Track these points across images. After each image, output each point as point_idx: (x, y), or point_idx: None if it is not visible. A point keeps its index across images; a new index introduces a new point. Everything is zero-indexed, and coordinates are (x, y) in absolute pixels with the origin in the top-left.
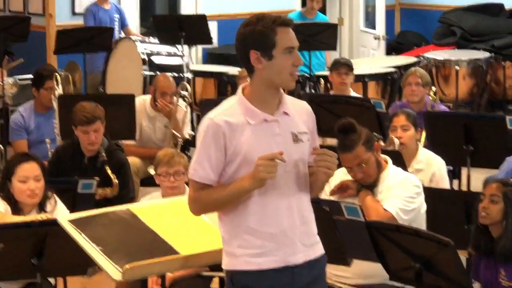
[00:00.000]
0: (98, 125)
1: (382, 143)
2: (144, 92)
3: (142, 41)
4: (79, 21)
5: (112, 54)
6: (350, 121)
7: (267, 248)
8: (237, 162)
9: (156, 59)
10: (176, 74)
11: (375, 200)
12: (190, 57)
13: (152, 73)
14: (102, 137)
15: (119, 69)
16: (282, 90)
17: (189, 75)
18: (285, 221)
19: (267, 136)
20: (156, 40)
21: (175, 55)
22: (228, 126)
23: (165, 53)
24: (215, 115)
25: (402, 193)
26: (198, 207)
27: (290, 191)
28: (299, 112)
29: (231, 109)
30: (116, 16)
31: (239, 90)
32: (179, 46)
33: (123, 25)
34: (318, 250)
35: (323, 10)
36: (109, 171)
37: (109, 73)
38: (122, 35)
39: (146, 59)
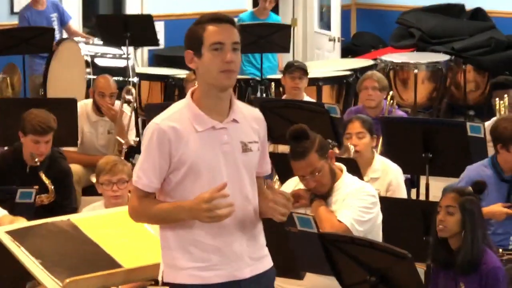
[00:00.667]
0: (50, 136)
1: (336, 151)
2: (87, 96)
3: (86, 43)
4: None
5: (53, 56)
6: (303, 127)
7: (213, 262)
8: (182, 171)
9: (100, 62)
10: (121, 78)
11: (329, 210)
12: (136, 59)
13: (95, 76)
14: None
15: (61, 71)
16: (232, 95)
17: (135, 79)
18: (232, 234)
19: (215, 144)
20: (100, 41)
21: (120, 57)
22: (174, 132)
23: (110, 55)
24: (161, 120)
25: (357, 203)
26: (137, 216)
27: (237, 202)
28: (249, 120)
29: (178, 114)
30: (54, 15)
31: (188, 94)
32: (124, 48)
33: (63, 23)
34: (266, 263)
35: (275, 10)
36: (43, 177)
37: (50, 76)
38: (65, 35)
39: (89, 61)
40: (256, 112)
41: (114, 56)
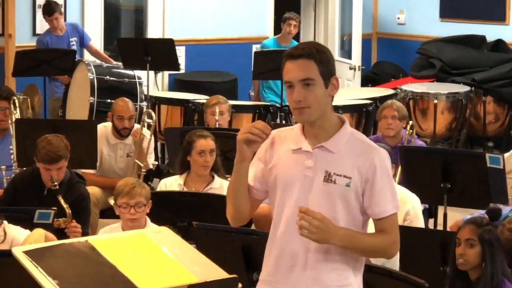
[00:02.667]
0: (62, 163)
1: None
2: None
3: (97, 65)
4: None
5: (72, 80)
6: None
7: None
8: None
9: (109, 84)
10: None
11: None
12: (156, 83)
13: (102, 100)
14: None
15: (76, 93)
16: (344, 127)
17: (144, 104)
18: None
19: (298, 164)
20: (117, 64)
21: (130, 80)
22: (273, 142)
23: (119, 77)
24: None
25: None
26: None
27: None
28: (354, 155)
29: (290, 130)
30: (73, 39)
31: None
32: (142, 72)
33: (83, 45)
34: None
35: (297, 38)
36: (62, 201)
37: (70, 98)
38: (86, 56)
39: (95, 83)
40: (371, 151)
41: (123, 78)
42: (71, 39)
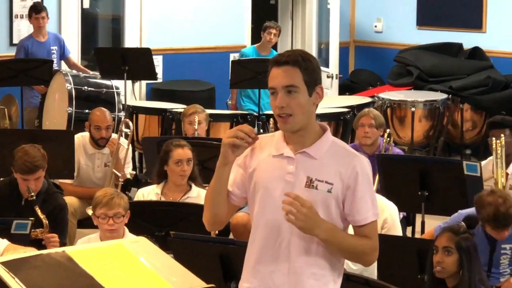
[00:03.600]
0: (40, 174)
1: None
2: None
3: (74, 75)
4: None
5: (48, 89)
6: None
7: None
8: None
9: (87, 94)
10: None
11: None
12: (133, 92)
13: (80, 110)
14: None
15: (55, 103)
16: (326, 134)
17: (122, 114)
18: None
19: (280, 170)
20: (94, 74)
21: (108, 90)
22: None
23: (97, 88)
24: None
25: None
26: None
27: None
28: (336, 161)
29: (270, 137)
30: (54, 48)
31: None
32: (120, 81)
33: (62, 57)
34: None
35: (274, 47)
36: (38, 211)
37: (46, 107)
38: (63, 67)
39: (73, 93)
40: (353, 159)
41: (100, 88)
42: (52, 47)
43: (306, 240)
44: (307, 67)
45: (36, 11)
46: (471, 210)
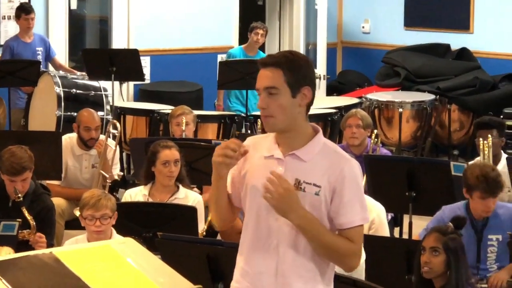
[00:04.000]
0: (27, 175)
1: None
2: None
3: (62, 77)
4: None
5: (35, 90)
6: None
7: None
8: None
9: (76, 96)
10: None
11: None
12: (121, 93)
13: (69, 113)
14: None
15: (42, 104)
16: (317, 137)
17: (109, 116)
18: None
19: (268, 170)
20: (81, 75)
21: (96, 92)
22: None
23: (85, 90)
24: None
25: None
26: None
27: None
28: (325, 164)
29: (264, 138)
30: (40, 49)
31: None
32: (107, 82)
33: (48, 58)
34: None
35: (262, 48)
36: (25, 213)
37: (33, 108)
38: (51, 68)
39: (62, 96)
40: (342, 163)
41: (89, 90)
42: (37, 48)
43: (295, 242)
44: (291, 68)
45: (26, 12)
46: (455, 205)
